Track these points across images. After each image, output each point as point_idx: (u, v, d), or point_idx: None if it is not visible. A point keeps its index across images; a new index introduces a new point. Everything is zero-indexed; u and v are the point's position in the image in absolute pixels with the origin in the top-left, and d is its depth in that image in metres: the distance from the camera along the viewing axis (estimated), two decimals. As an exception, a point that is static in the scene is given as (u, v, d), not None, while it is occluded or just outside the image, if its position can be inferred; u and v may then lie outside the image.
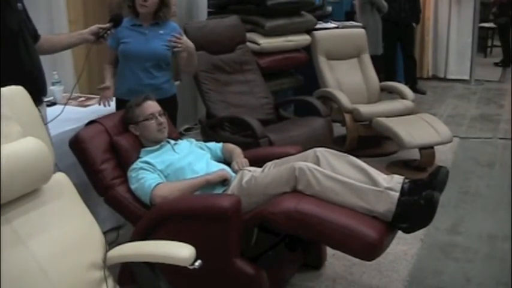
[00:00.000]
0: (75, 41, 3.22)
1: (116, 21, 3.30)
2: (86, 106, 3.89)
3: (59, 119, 3.06)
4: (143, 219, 2.82)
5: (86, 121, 3.27)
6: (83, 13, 4.57)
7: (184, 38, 3.65)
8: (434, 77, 8.92)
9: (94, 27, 3.18)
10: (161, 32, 3.65)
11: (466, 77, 8.60)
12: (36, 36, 2.98)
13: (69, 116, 3.43)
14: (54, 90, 3.84)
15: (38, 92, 2.79)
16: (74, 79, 4.15)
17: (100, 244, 2.19)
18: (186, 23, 4.71)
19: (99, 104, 3.63)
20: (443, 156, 5.17)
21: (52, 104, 3.72)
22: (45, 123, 2.74)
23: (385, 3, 7.06)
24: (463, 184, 4.66)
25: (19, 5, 2.82)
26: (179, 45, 3.58)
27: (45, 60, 3.02)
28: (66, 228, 2.10)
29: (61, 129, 3.27)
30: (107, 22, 3.28)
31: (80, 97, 4.08)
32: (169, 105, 3.59)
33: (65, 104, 3.24)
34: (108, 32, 3.21)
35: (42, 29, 3.09)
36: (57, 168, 2.23)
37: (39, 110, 2.48)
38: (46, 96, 3.09)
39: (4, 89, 2.14)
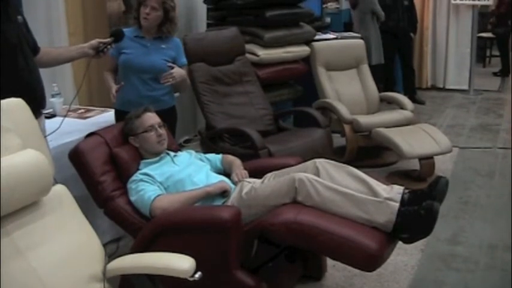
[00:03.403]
0: (75, 55, 3.23)
1: (117, 36, 3.31)
2: (85, 118, 3.89)
3: (58, 131, 3.07)
4: (143, 231, 2.82)
5: (86, 133, 3.27)
6: (83, 25, 4.58)
7: (175, 69, 3.63)
8: (433, 87, 8.93)
9: (94, 42, 3.18)
10: (163, 46, 3.67)
11: (465, 87, 8.61)
12: (36, 49, 2.98)
13: (69, 128, 3.43)
14: (54, 102, 3.84)
15: (37, 104, 2.79)
16: (73, 91, 4.16)
17: (100, 256, 2.19)
18: (185, 35, 4.72)
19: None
20: (443, 166, 5.17)
21: (52, 116, 3.73)
22: (45, 136, 2.74)
23: (382, 12, 7.10)
24: (463, 194, 4.66)
25: (19, 17, 2.83)
26: (171, 81, 3.59)
27: (44, 72, 3.03)
28: (65, 240, 2.10)
29: (61, 141, 3.28)
30: (108, 36, 3.29)
31: (80, 109, 4.09)
32: (168, 117, 3.60)
33: (64, 116, 3.25)
34: (108, 46, 3.22)
35: (42, 41, 3.10)
36: (56, 181, 2.23)
37: (38, 122, 2.48)
38: (46, 108, 3.09)
39: (3, 101, 2.14)
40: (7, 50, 2.66)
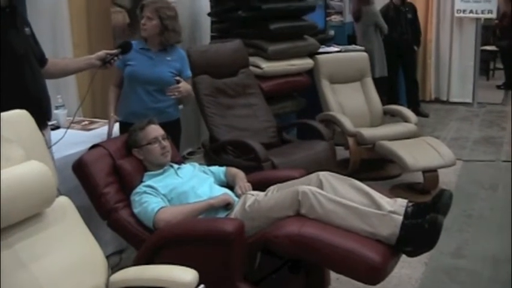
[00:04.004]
0: (82, 66, 3.25)
1: (125, 48, 3.34)
2: (89, 130, 3.90)
3: (62, 143, 3.07)
4: (146, 243, 2.81)
5: (90, 145, 3.27)
6: (87, 37, 4.60)
7: (182, 84, 3.65)
8: (437, 100, 8.92)
9: (102, 53, 3.20)
10: (168, 58, 3.69)
11: (469, 100, 8.60)
12: (43, 61, 3.00)
13: (73, 139, 3.44)
14: (58, 114, 3.85)
15: (42, 116, 2.81)
16: (77, 103, 4.17)
17: (103, 268, 2.19)
18: (189, 47, 4.73)
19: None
20: (446, 179, 5.16)
21: (56, 127, 3.73)
22: (49, 147, 2.75)
23: (385, 25, 7.12)
24: (467, 207, 4.65)
25: (27, 29, 2.86)
26: (177, 95, 3.60)
27: (49, 84, 3.04)
28: (68, 252, 2.10)
29: (64, 153, 3.28)
30: (115, 48, 3.30)
31: (84, 121, 4.10)
32: (173, 129, 3.61)
33: (67, 128, 3.26)
34: (115, 58, 3.23)
35: (47, 52, 3.12)
36: (59, 192, 2.23)
37: (43, 133, 2.50)
38: (50, 120, 3.10)
39: (8, 113, 2.16)
40: (14, 61, 2.68)
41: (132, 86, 3.65)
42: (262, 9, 5.21)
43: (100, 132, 3.79)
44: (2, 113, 2.18)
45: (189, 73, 3.85)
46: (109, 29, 4.75)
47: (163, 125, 3.31)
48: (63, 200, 2.23)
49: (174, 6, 3.82)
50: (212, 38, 5.91)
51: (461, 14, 8.44)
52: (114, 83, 3.76)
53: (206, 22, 5.94)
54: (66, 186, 2.74)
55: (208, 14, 5.80)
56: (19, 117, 2.21)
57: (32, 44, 2.88)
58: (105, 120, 3.90)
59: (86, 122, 4.07)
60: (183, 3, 5.57)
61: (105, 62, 3.20)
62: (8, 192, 1.86)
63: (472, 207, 4.66)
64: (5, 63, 2.64)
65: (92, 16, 4.66)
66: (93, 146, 3.24)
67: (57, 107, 3.87)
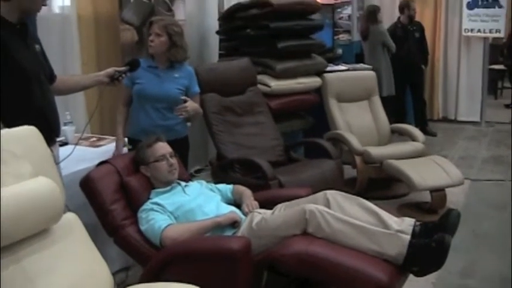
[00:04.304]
0: (91, 83, 3.27)
1: (133, 65, 3.35)
2: (97, 146, 3.91)
3: (70, 159, 3.08)
4: (153, 261, 2.81)
5: (97, 161, 3.28)
6: (96, 55, 4.64)
7: (189, 103, 3.66)
8: (445, 119, 8.92)
9: (110, 70, 3.22)
10: (176, 75, 3.71)
11: (477, 119, 8.59)
12: (52, 77, 3.02)
13: (81, 156, 3.45)
14: (66, 131, 3.87)
15: (51, 132, 2.82)
16: (86, 119, 4.19)
17: (109, 285, 2.19)
18: (197, 65, 4.75)
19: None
20: (454, 199, 5.14)
21: (64, 144, 3.75)
22: (57, 163, 2.76)
23: (393, 44, 7.14)
24: (475, 226, 4.62)
25: (37, 46, 2.88)
26: (184, 115, 3.62)
27: (58, 100, 3.05)
28: (75, 268, 2.10)
29: (72, 169, 3.29)
30: (124, 65, 3.32)
31: (92, 137, 4.11)
32: (181, 146, 3.63)
33: (75, 144, 3.27)
34: (123, 75, 3.25)
35: (56, 69, 3.14)
36: (67, 208, 2.24)
37: (51, 149, 2.51)
38: (59, 136, 3.11)
39: (17, 129, 2.17)
40: (23, 78, 2.70)
41: (141, 103, 3.67)
42: (270, 28, 5.23)
43: (108, 149, 3.80)
44: (11, 129, 2.19)
45: (197, 89, 3.86)
46: (118, 47, 4.78)
47: (171, 142, 3.32)
48: (70, 217, 2.23)
49: (180, 23, 3.85)
50: (220, 56, 5.93)
51: (469, 33, 8.46)
52: (122, 103, 3.78)
53: (214, 40, 5.96)
54: (74, 203, 2.75)
55: (217, 32, 5.83)
56: (28, 133, 2.22)
57: (41, 61, 2.91)
58: (113, 137, 3.91)
59: (94, 139, 4.08)
60: (192, 21, 5.61)
61: (113, 79, 3.21)
62: (16, 208, 1.87)
63: (480, 227, 4.64)
64: (15, 79, 2.66)
65: (100, 33, 4.70)
66: (101, 163, 3.25)
67: (65, 124, 3.88)
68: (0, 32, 2.61)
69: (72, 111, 4.12)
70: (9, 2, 2.66)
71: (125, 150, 3.71)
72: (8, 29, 2.66)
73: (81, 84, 3.30)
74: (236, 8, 5.50)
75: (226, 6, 5.93)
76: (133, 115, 3.73)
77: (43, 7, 2.88)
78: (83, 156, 3.52)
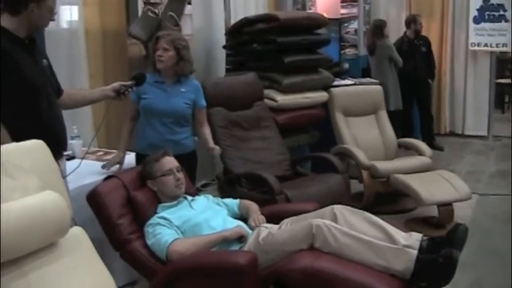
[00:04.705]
0: (98, 97, 3.28)
1: (139, 80, 3.36)
2: (104, 160, 3.91)
3: (77, 173, 3.09)
4: (159, 275, 2.81)
5: (104, 175, 3.29)
6: (103, 68, 4.66)
7: (216, 148, 3.72)
8: (452, 133, 8.91)
9: (116, 84, 3.23)
10: (182, 89, 3.72)
11: (484, 133, 8.57)
12: (59, 92, 3.04)
13: (88, 170, 3.45)
14: (73, 144, 3.88)
15: (58, 146, 2.83)
16: (92, 133, 4.20)
17: (115, 300, 2.18)
18: (204, 80, 4.76)
19: (103, 168, 3.65)
20: (462, 213, 5.11)
21: (71, 158, 3.75)
22: (63, 177, 2.76)
23: (400, 58, 7.15)
24: (483, 241, 4.59)
25: (44, 61, 2.91)
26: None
27: (65, 114, 3.07)
28: (81, 283, 2.10)
29: (79, 183, 3.29)
30: (130, 79, 3.34)
31: (99, 151, 4.12)
32: (189, 161, 3.64)
33: (82, 158, 3.28)
34: (130, 89, 3.26)
35: (63, 83, 3.16)
36: (74, 223, 2.24)
37: (58, 163, 2.51)
38: (66, 150, 3.12)
39: (25, 143, 2.18)
40: (31, 93, 2.71)
41: (148, 118, 3.68)
42: (277, 43, 5.24)
43: (115, 163, 3.81)
44: (19, 143, 2.20)
45: (203, 103, 3.87)
46: (125, 61, 4.80)
47: (180, 157, 3.33)
48: (77, 231, 2.23)
49: (187, 38, 3.87)
50: (227, 70, 5.95)
51: (476, 47, 8.47)
52: (130, 116, 3.80)
53: (221, 55, 5.98)
54: (80, 217, 2.75)
55: (224, 47, 5.85)
56: (36, 147, 2.23)
57: (49, 76, 2.93)
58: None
59: (101, 153, 4.09)
60: (199, 36, 5.63)
61: (119, 93, 3.22)
62: (23, 222, 1.87)
63: (488, 242, 4.61)
64: (23, 94, 2.68)
65: (108, 48, 4.72)
66: (108, 177, 3.25)
67: (72, 138, 3.90)
68: (9, 46, 2.63)
69: (79, 125, 4.13)
70: (18, 17, 2.68)
71: (132, 158, 3.72)
72: (17, 44, 2.69)
73: (88, 99, 3.32)
74: (243, 23, 5.53)
75: (233, 21, 5.96)
76: (140, 130, 3.74)
77: (51, 22, 2.90)
78: (89, 170, 3.52)
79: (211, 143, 3.78)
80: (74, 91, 3.34)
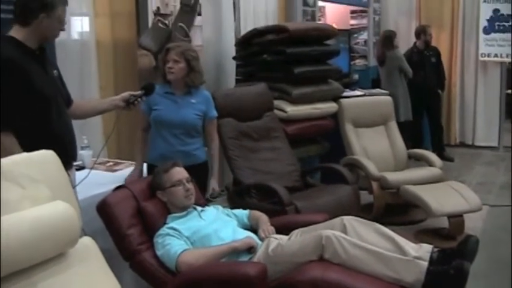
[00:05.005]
0: (107, 107, 3.29)
1: (148, 89, 3.36)
2: (114, 171, 3.92)
3: (87, 183, 3.09)
4: (169, 286, 2.80)
5: (114, 186, 3.29)
6: (114, 80, 4.67)
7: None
8: (462, 144, 8.88)
9: (126, 94, 3.24)
10: (193, 101, 3.72)
11: (495, 144, 8.55)
12: (69, 102, 3.06)
13: (98, 180, 3.46)
14: (83, 155, 3.88)
15: (68, 157, 2.84)
16: (102, 144, 4.21)
17: (124, 311, 2.18)
18: (214, 90, 4.77)
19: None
20: (472, 225, 5.08)
21: (81, 168, 3.76)
22: (73, 187, 2.77)
23: (410, 69, 7.14)
24: (494, 253, 4.56)
25: (55, 71, 2.93)
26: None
27: (75, 124, 3.08)
28: (91, 294, 2.10)
29: (89, 194, 3.30)
30: (139, 90, 3.35)
31: (109, 162, 4.13)
32: (200, 172, 3.66)
33: (91, 168, 3.29)
34: (139, 99, 3.27)
35: (73, 94, 3.17)
36: (84, 233, 2.24)
37: (68, 174, 2.52)
38: (76, 161, 3.13)
39: (35, 153, 2.19)
40: (42, 103, 2.73)
41: (159, 129, 3.69)
42: (286, 54, 5.25)
43: (125, 173, 3.81)
44: (30, 153, 2.21)
45: (214, 114, 3.88)
46: (135, 72, 4.82)
47: (191, 168, 3.35)
48: (86, 241, 2.24)
49: (197, 49, 3.88)
50: (237, 81, 5.95)
51: (486, 58, 8.47)
52: (141, 128, 3.82)
53: (231, 66, 5.99)
54: (90, 227, 2.75)
55: (233, 58, 5.86)
56: (46, 157, 2.24)
57: (59, 86, 2.95)
58: (130, 162, 3.93)
59: (111, 163, 4.10)
60: (208, 47, 5.64)
61: (128, 103, 3.23)
62: (33, 232, 1.87)
63: (499, 253, 4.58)
64: (33, 104, 2.69)
65: (118, 59, 4.74)
66: (118, 187, 3.26)
67: (82, 148, 3.91)
68: (20, 57, 2.65)
69: (89, 135, 4.14)
70: (28, 28, 2.71)
71: (144, 168, 3.74)
72: (28, 55, 2.71)
73: (98, 109, 3.34)
74: (252, 34, 5.54)
75: (242, 32, 5.97)
76: (151, 141, 3.75)
77: (62, 33, 2.92)
78: (99, 180, 3.53)
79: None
80: (83, 101, 3.36)
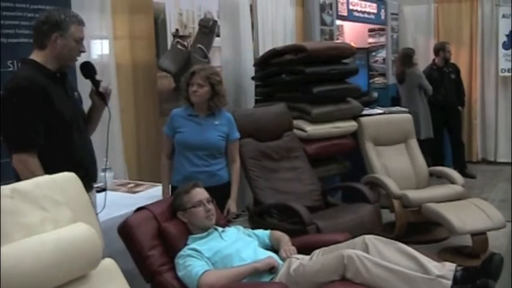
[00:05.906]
0: (92, 111, 3.12)
1: (86, 70, 3.07)
2: (135, 192, 3.94)
3: (108, 205, 3.11)
4: (190, 307, 2.80)
5: (135, 207, 3.30)
6: (134, 102, 4.71)
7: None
8: (484, 161, 8.81)
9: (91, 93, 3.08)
10: (216, 122, 3.74)
11: (517, 160, 8.48)
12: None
13: (119, 202, 3.48)
14: (104, 177, 3.91)
15: (89, 179, 2.85)
16: (123, 165, 4.23)
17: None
18: (234, 111, 4.79)
19: None
20: (496, 242, 5.02)
21: (102, 190, 3.78)
22: (96, 214, 2.77)
23: (430, 86, 7.12)
24: (519, 271, 4.51)
25: (75, 93, 2.95)
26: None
27: (96, 146, 3.10)
28: (113, 316, 2.10)
29: (110, 215, 3.31)
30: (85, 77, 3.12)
31: (130, 183, 4.15)
32: (224, 192, 3.66)
33: (106, 190, 3.29)
34: (100, 83, 3.07)
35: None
36: (105, 255, 2.25)
37: (89, 195, 2.53)
38: (96, 182, 3.15)
39: (57, 175, 2.21)
40: (63, 125, 2.75)
41: (183, 151, 3.70)
42: (305, 73, 5.26)
43: (146, 195, 3.83)
44: (52, 175, 2.23)
45: (237, 135, 3.90)
46: (155, 94, 4.85)
47: (214, 188, 3.37)
48: (108, 263, 2.24)
49: (218, 71, 3.89)
50: (256, 101, 5.98)
51: (506, 73, 8.41)
52: (165, 155, 3.82)
53: (250, 86, 6.02)
54: (111, 249, 2.76)
55: (252, 78, 5.89)
56: (67, 180, 2.26)
57: (80, 108, 2.97)
58: (151, 183, 3.94)
59: (132, 185, 4.12)
60: (227, 67, 5.68)
61: (98, 93, 3.04)
62: (55, 254, 1.89)
63: (524, 272, 4.52)
64: (54, 126, 2.71)
65: (138, 81, 4.78)
66: (139, 209, 3.27)
67: (103, 170, 3.93)
68: (42, 80, 2.68)
69: (110, 157, 4.16)
70: (45, 50, 2.73)
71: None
72: (48, 77, 2.73)
73: (91, 116, 3.14)
74: (271, 54, 5.57)
75: (261, 52, 6.00)
76: (176, 163, 3.76)
77: (82, 54, 2.93)
78: (121, 202, 3.55)
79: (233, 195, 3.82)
80: None
